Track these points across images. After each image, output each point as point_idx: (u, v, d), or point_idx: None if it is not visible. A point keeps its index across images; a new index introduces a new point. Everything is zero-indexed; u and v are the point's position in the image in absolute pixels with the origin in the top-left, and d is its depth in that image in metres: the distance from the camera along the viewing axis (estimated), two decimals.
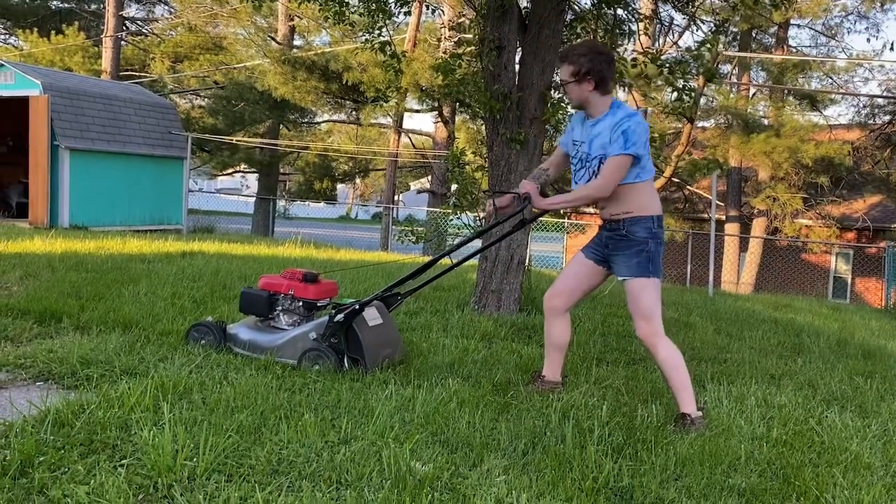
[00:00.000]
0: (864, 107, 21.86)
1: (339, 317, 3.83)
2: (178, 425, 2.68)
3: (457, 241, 4.04)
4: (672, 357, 3.53)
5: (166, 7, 28.51)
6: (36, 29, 23.97)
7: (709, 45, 6.45)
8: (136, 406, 2.90)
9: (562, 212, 23.86)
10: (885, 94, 21.80)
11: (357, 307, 3.86)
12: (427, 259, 4.26)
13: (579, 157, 3.66)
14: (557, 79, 3.71)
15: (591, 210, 24.13)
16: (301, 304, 4.10)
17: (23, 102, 12.96)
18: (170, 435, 2.55)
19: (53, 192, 12.98)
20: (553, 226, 21.01)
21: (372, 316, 3.97)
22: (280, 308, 4.14)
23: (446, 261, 4.12)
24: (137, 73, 25.02)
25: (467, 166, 8.10)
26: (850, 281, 20.36)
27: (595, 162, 3.56)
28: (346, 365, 3.79)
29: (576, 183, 3.69)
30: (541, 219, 16.95)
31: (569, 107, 6.52)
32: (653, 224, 3.53)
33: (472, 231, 6.76)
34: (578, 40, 7.03)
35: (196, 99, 28.82)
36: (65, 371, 3.42)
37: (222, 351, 3.96)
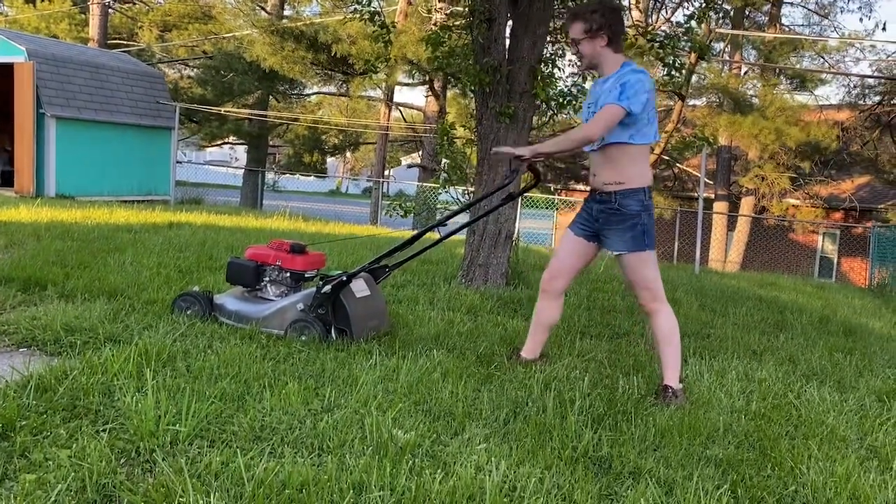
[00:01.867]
0: (855, 87, 21.89)
1: (327, 288, 3.84)
2: (162, 392, 2.69)
3: (445, 214, 4.04)
4: (671, 327, 3.56)
5: None
6: None
7: (698, 18, 6.42)
8: (120, 372, 2.91)
9: (552, 188, 23.88)
10: (875, 74, 21.81)
11: (344, 278, 3.86)
12: (414, 232, 4.26)
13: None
14: (568, 38, 3.57)
15: (581, 186, 24.13)
16: (288, 274, 4.09)
17: (7, 70, 12.77)
18: (153, 401, 2.57)
19: (39, 161, 12.84)
20: (543, 202, 21.04)
21: (359, 287, 3.97)
22: (267, 279, 4.13)
23: (435, 234, 4.12)
24: (125, 42, 24.69)
25: (456, 141, 8.07)
26: (836, 260, 20.52)
27: None
28: (333, 335, 3.80)
29: (592, 149, 3.62)
30: (530, 194, 16.91)
31: (559, 82, 6.50)
32: (644, 196, 3.50)
33: (460, 205, 6.76)
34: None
35: (185, 69, 28.45)
36: (48, 338, 3.41)
37: (208, 321, 3.96)
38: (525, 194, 6.57)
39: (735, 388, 3.74)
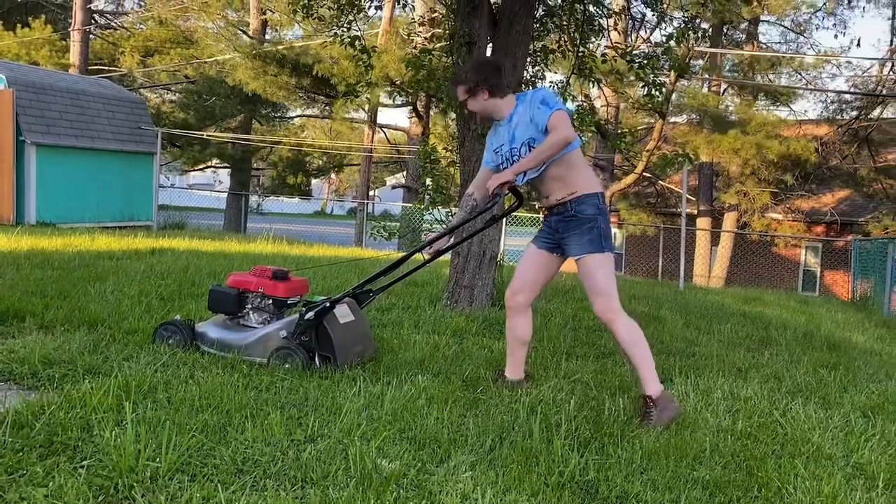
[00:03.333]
0: (832, 102, 22.22)
1: (310, 315, 3.79)
2: (142, 425, 2.65)
3: (429, 237, 4.04)
4: (630, 332, 3.55)
5: (136, 0, 28.09)
6: (1, 22, 23.47)
7: (676, 38, 6.50)
8: (99, 406, 2.86)
9: (537, 206, 23.96)
10: (852, 89, 22.14)
11: (328, 305, 3.83)
12: (400, 255, 4.24)
13: (505, 157, 3.68)
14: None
15: None
16: (271, 301, 4.04)
17: None
18: (132, 435, 2.52)
19: (20, 189, 12.74)
20: (528, 220, 21.09)
21: (343, 313, 3.93)
22: (250, 306, 4.09)
23: (420, 257, 4.10)
24: (107, 68, 24.64)
25: (441, 161, 8.09)
26: (818, 274, 20.70)
27: (524, 149, 3.58)
28: (317, 363, 3.76)
29: (534, 175, 3.66)
30: (514, 214, 16.97)
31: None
32: (598, 200, 3.59)
33: (445, 227, 6.74)
34: (549, 35, 7.05)
35: (167, 93, 28.43)
36: (25, 371, 3.35)
37: (190, 350, 3.91)
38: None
39: (721, 407, 3.74)
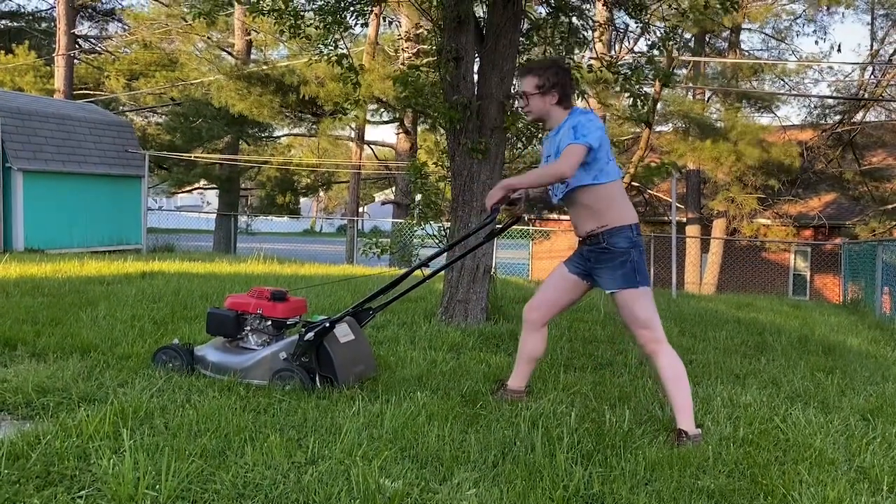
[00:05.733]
0: (816, 107, 22.42)
1: (310, 335, 3.75)
2: (140, 452, 2.61)
3: (431, 253, 4.02)
4: (673, 366, 3.44)
5: (120, 24, 28.10)
6: None
7: (660, 47, 6.54)
8: (95, 434, 2.82)
9: (526, 218, 23.99)
10: (834, 94, 22.38)
11: (327, 325, 3.78)
12: (397, 272, 4.22)
13: None
14: (517, 88, 3.66)
15: (556, 216, 24.28)
16: (270, 323, 4.00)
17: None
18: (130, 462, 2.48)
19: (7, 215, 12.66)
20: (519, 233, 21.12)
21: (343, 332, 3.90)
22: (249, 328, 4.04)
23: (418, 273, 4.07)
24: (92, 92, 24.60)
25: (430, 176, 8.08)
26: (808, 278, 20.80)
27: None
28: (318, 384, 3.72)
29: (555, 196, 3.65)
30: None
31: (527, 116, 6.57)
32: (632, 233, 3.48)
33: (437, 242, 6.74)
34: (535, 49, 7.09)
35: (153, 116, 28.39)
36: (19, 401, 3.30)
37: (190, 375, 3.86)
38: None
39: (721, 414, 3.73)
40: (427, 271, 4.19)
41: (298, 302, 4.11)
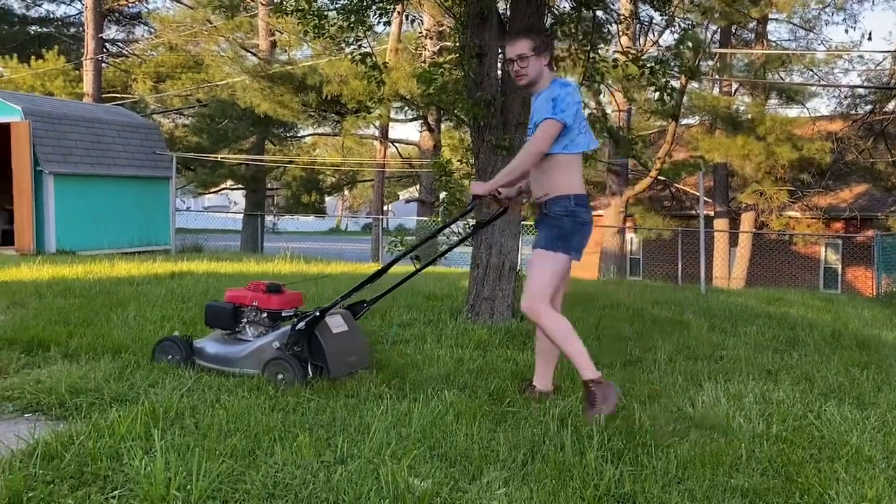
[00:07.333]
0: (846, 97, 22.02)
1: (301, 325, 3.87)
2: (171, 452, 2.63)
3: (414, 244, 4.14)
4: (557, 324, 3.55)
5: (146, 27, 28.43)
6: (15, 55, 23.82)
7: (689, 44, 6.45)
8: (127, 434, 2.85)
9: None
10: (865, 83, 21.95)
11: (317, 314, 3.89)
12: (379, 266, 4.32)
13: (530, 131, 3.76)
14: (507, 55, 3.75)
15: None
16: (265, 315, 4.12)
17: (4, 129, 12.86)
18: (162, 463, 2.50)
19: (39, 218, 12.87)
20: None
21: (336, 323, 4.00)
22: (245, 320, 4.15)
23: (412, 267, 4.18)
24: (120, 95, 24.91)
25: (455, 173, 8.07)
26: (840, 270, 20.45)
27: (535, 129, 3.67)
28: (310, 372, 3.82)
29: None
30: (531, 221, 16.94)
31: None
32: (570, 202, 3.60)
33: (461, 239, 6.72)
34: (559, 43, 7.04)
35: (179, 118, 28.71)
36: (53, 401, 3.36)
37: (189, 367, 3.98)
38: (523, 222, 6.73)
39: (754, 411, 3.67)
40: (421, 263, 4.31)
41: (294, 295, 4.23)
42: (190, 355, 4.07)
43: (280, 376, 3.77)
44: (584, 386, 3.51)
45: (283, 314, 4.12)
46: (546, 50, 3.69)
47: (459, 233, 8.25)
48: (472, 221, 7.33)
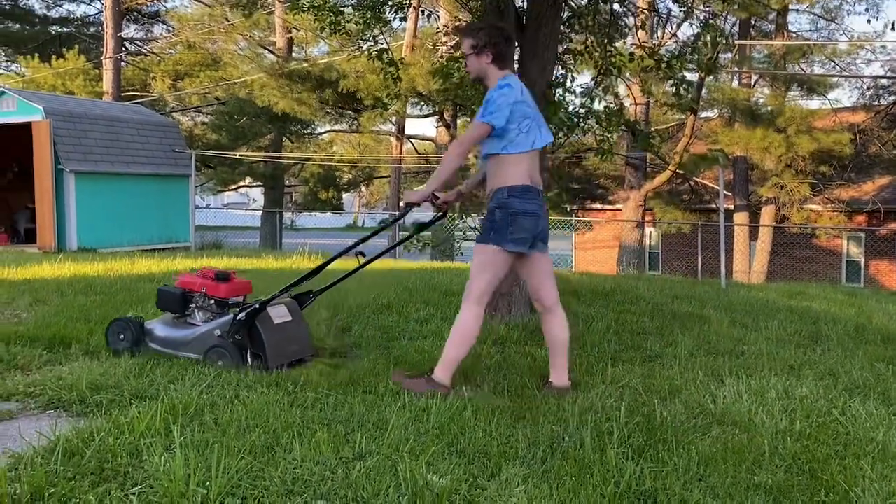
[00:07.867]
0: (868, 88, 21.71)
1: (241, 315, 3.98)
2: (190, 448, 2.64)
3: (356, 240, 4.27)
4: (467, 325, 3.63)
5: (165, 26, 28.63)
6: (37, 55, 24.10)
7: (707, 40, 6.37)
8: (147, 431, 2.86)
9: (568, 209, 23.73)
10: (888, 74, 21.63)
11: (258, 306, 4.00)
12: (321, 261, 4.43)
13: None
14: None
15: (598, 205, 23.99)
16: (213, 301, 4.23)
17: (26, 128, 13.01)
18: (181, 459, 2.51)
19: (60, 216, 13.02)
20: (561, 223, 20.94)
21: (279, 314, 4.11)
22: (194, 305, 4.27)
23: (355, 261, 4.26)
24: (139, 93, 25.12)
25: (471, 168, 8.05)
26: (863, 264, 20.18)
27: None
28: (249, 361, 3.93)
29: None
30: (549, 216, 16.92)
31: (569, 107, 6.49)
32: (503, 194, 3.61)
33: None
34: (575, 36, 6.99)
35: (198, 116, 28.91)
36: (74, 398, 3.38)
37: (138, 347, 4.17)
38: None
39: (776, 407, 3.62)
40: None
41: (242, 283, 4.34)
42: (141, 336, 4.21)
43: (220, 363, 3.91)
44: (427, 372, 3.70)
45: (230, 302, 4.23)
46: (487, 48, 3.68)
47: (476, 228, 8.24)
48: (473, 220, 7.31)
